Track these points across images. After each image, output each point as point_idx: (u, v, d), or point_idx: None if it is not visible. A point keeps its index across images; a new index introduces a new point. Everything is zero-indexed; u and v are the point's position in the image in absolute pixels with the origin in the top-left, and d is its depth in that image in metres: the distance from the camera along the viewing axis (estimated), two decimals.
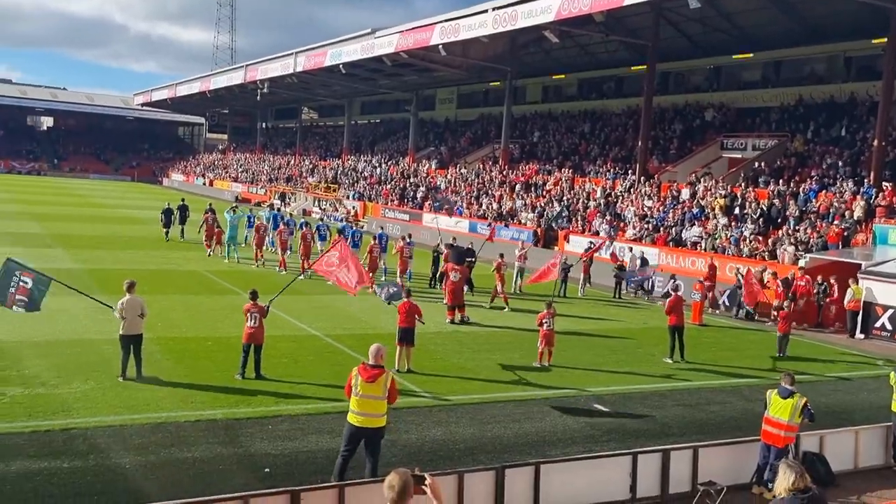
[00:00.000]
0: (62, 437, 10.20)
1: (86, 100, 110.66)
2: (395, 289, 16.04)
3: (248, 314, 13.44)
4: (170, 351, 14.83)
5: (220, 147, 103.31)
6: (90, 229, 36.19)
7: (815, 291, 23.33)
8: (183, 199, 37.34)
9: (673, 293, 17.86)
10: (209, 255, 29.31)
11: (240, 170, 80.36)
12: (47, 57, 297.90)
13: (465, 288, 21.67)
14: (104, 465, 9.47)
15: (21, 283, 12.51)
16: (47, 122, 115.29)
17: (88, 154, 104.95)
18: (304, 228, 27.66)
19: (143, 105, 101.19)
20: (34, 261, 24.26)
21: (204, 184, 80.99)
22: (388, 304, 15.75)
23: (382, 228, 33.43)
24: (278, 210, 36.65)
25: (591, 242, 29.67)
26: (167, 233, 33.60)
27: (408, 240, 26.02)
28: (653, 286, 27.38)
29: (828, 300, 23.28)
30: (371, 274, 23.93)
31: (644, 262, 27.22)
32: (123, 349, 12.81)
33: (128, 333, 12.77)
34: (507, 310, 22.21)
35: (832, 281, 23.02)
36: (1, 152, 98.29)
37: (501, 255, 23.82)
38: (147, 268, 24.95)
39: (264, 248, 28.47)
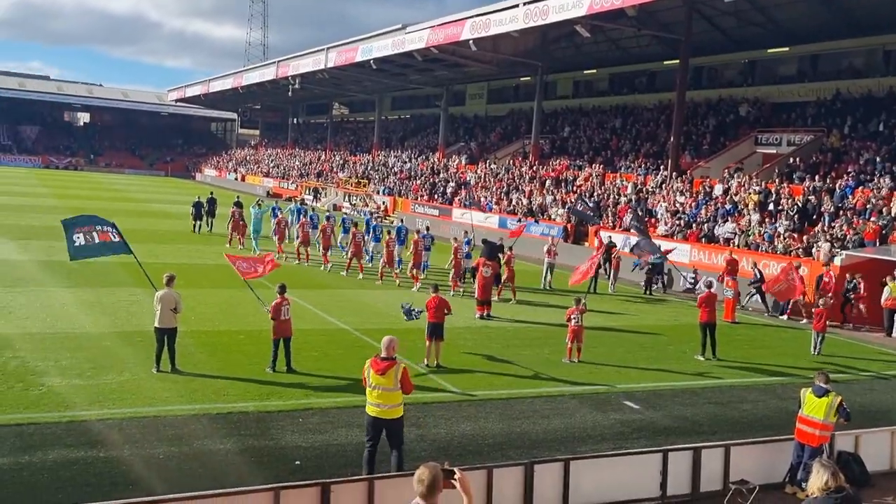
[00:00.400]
0: (98, 428, 10.38)
1: (121, 96, 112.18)
2: (407, 306, 15.61)
3: (280, 308, 13.57)
4: (203, 344, 15.01)
5: (252, 142, 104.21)
6: (125, 223, 36.32)
7: (844, 289, 22.99)
8: (212, 193, 38.23)
9: (706, 289, 17.69)
10: (227, 246, 29.90)
11: (271, 165, 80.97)
12: (84, 54, 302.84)
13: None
14: (139, 455, 9.62)
15: (92, 233, 14.00)
16: (84, 117, 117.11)
17: (123, 149, 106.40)
18: (325, 222, 27.83)
19: (176, 101, 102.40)
20: None
21: (236, 179, 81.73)
22: (409, 319, 15.49)
23: (402, 222, 33.61)
24: (302, 203, 36.83)
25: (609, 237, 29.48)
26: (197, 226, 34.48)
27: (423, 232, 26.18)
28: (671, 279, 27.05)
29: (854, 297, 22.93)
30: (389, 267, 24.51)
31: (637, 245, 26.06)
32: (158, 342, 13.00)
33: (162, 326, 12.95)
34: (513, 301, 22.44)
35: (859, 279, 22.69)
36: (39, 148, 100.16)
37: (510, 248, 24.05)
38: (180, 262, 25.23)
39: (285, 241, 28.70)
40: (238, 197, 35.71)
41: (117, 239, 14.56)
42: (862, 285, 22.67)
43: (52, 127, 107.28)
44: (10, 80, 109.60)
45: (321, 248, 26.79)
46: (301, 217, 29.76)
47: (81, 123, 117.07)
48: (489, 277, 20.06)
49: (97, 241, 14.29)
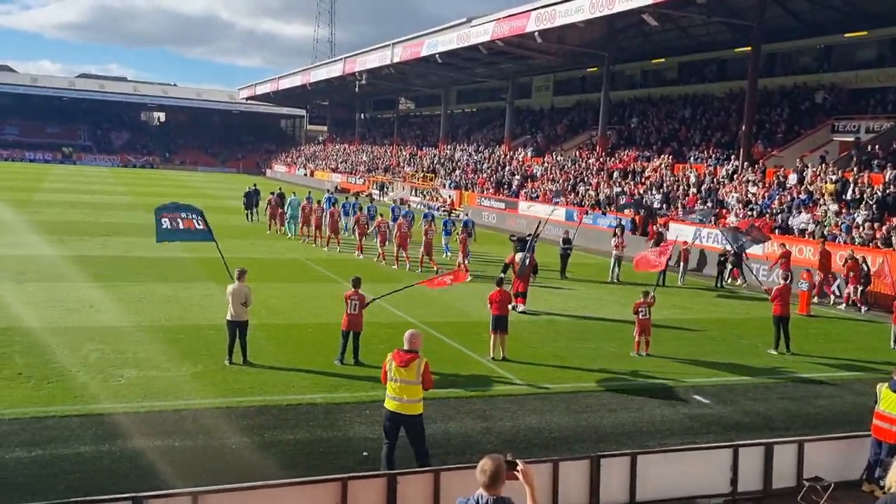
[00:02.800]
0: (174, 418, 10.72)
1: (194, 95, 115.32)
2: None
3: (349, 301, 13.76)
4: (273, 337, 15.34)
5: (321, 138, 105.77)
6: None
7: None
8: (255, 185, 41.98)
9: (782, 281, 17.23)
10: (268, 232, 33.35)
11: (339, 160, 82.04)
12: (159, 55, 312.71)
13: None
14: (212, 445, 9.91)
15: (178, 220, 14.87)
16: (159, 117, 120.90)
17: (197, 147, 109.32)
18: (357, 212, 29.59)
19: (247, 99, 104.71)
20: (148, 250, 25.50)
21: (305, 174, 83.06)
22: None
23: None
24: (331, 193, 38.43)
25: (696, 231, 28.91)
26: (248, 214, 38.37)
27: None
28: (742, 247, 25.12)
29: None
30: (428, 256, 25.20)
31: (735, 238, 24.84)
32: (230, 335, 13.33)
33: (233, 319, 13.28)
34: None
35: None
36: (117, 147, 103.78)
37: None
38: (252, 256, 25.81)
39: (323, 230, 30.21)
40: (280, 188, 38.72)
41: (202, 227, 15.14)
42: None
43: (129, 127, 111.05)
44: (91, 82, 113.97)
45: (356, 236, 28.19)
46: (332, 206, 31.21)
47: (157, 123, 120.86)
48: (526, 271, 19.67)
49: (181, 227, 14.94)
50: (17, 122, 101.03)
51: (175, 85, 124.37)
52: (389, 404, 9.21)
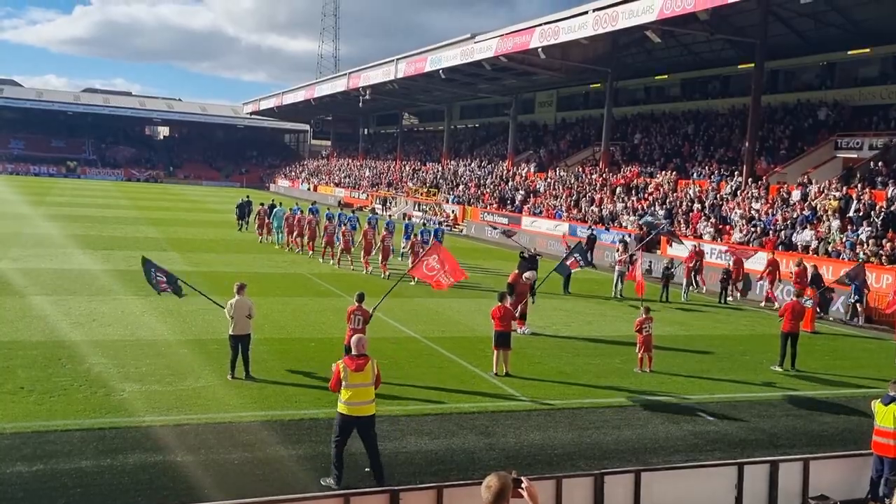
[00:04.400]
0: (175, 433, 10.67)
1: (199, 110, 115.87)
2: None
3: (352, 316, 13.73)
4: (276, 351, 15.30)
5: (324, 153, 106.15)
6: (202, 233, 37.76)
7: None
8: (248, 196, 43.94)
9: (791, 298, 17.16)
10: (260, 241, 35.12)
11: (343, 175, 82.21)
12: (164, 69, 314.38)
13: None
14: (214, 459, 9.86)
15: (158, 277, 14.57)
16: (164, 131, 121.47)
17: (201, 161, 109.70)
18: (343, 226, 30.20)
19: (251, 114, 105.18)
20: None
21: (308, 189, 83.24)
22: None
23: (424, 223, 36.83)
24: (316, 205, 39.40)
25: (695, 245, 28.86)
26: (240, 224, 40.40)
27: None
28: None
29: None
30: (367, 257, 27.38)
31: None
32: (232, 349, 13.30)
33: (236, 334, 13.24)
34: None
35: None
36: (121, 161, 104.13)
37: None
38: (255, 270, 25.81)
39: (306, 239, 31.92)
40: (273, 200, 41.10)
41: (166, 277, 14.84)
42: None
43: (133, 141, 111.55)
44: (96, 97, 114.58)
45: (340, 247, 28.92)
46: (327, 220, 32.37)
47: (161, 137, 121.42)
48: (525, 289, 18.85)
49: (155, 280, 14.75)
50: (23, 135, 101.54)
51: (180, 100, 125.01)
52: (344, 409, 9.43)
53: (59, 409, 11.26)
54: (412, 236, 28.95)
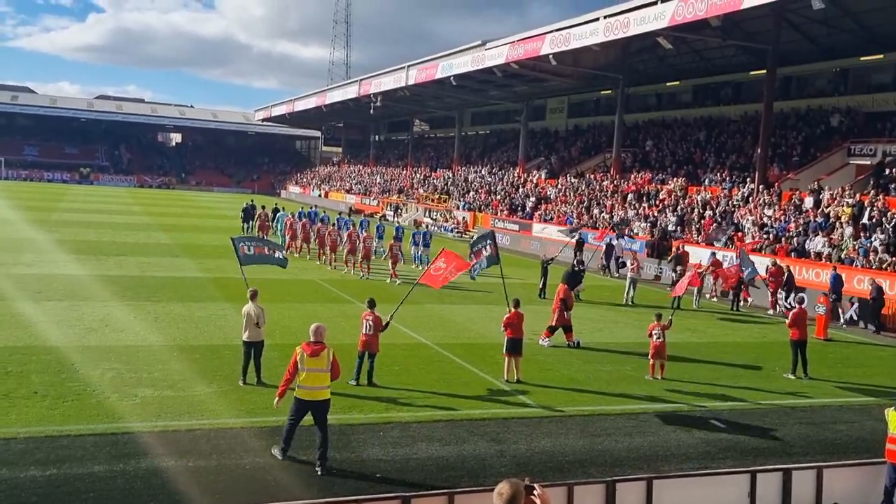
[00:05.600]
0: (187, 438, 10.72)
1: (211, 116, 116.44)
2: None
3: (364, 321, 13.79)
4: (287, 357, 15.23)
5: (335, 159, 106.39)
6: (213, 239, 37.88)
7: None
8: (252, 200, 45.42)
9: (797, 305, 17.09)
10: None
11: (353, 181, 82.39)
12: (176, 76, 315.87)
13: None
14: (225, 465, 9.89)
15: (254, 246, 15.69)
16: (175, 138, 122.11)
17: (212, 168, 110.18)
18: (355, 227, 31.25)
19: (263, 120, 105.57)
20: (164, 270, 25.66)
21: (320, 195, 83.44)
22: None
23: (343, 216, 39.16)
24: (322, 211, 41.01)
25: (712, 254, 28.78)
26: (245, 227, 41.53)
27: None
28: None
29: None
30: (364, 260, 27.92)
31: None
32: (245, 355, 13.35)
33: (249, 340, 13.30)
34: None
35: None
36: (134, 168, 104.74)
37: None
38: (266, 276, 25.83)
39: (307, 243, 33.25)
40: (276, 204, 44.06)
41: (277, 255, 15.98)
42: None
43: (146, 147, 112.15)
44: (109, 104, 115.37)
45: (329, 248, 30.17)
46: (316, 221, 34.55)
47: (173, 144, 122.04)
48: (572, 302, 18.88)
49: (254, 253, 15.76)
50: (37, 142, 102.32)
51: (192, 106, 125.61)
52: (300, 393, 10.04)
53: (72, 413, 11.32)
54: (392, 239, 29.51)
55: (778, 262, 26.17)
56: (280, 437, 10.22)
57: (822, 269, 26.29)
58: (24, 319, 17.21)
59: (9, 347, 14.74)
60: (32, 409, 11.41)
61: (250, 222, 41.70)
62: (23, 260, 26.45)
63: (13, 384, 12.46)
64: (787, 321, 16.90)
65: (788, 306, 24.92)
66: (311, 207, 43.14)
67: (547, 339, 18.27)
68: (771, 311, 25.50)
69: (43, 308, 18.67)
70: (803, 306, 17.07)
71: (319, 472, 9.71)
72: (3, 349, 14.59)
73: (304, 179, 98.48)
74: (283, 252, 16.14)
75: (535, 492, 4.78)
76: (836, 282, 24.02)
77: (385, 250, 29.93)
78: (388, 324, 14.04)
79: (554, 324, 18.32)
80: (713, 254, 28.38)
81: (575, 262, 25.75)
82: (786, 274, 25.75)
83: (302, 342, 10.46)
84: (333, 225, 33.37)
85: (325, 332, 10.40)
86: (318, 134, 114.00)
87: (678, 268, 27.61)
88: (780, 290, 25.76)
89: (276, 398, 10.49)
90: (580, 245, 32.63)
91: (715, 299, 27.29)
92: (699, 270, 26.50)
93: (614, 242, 32.64)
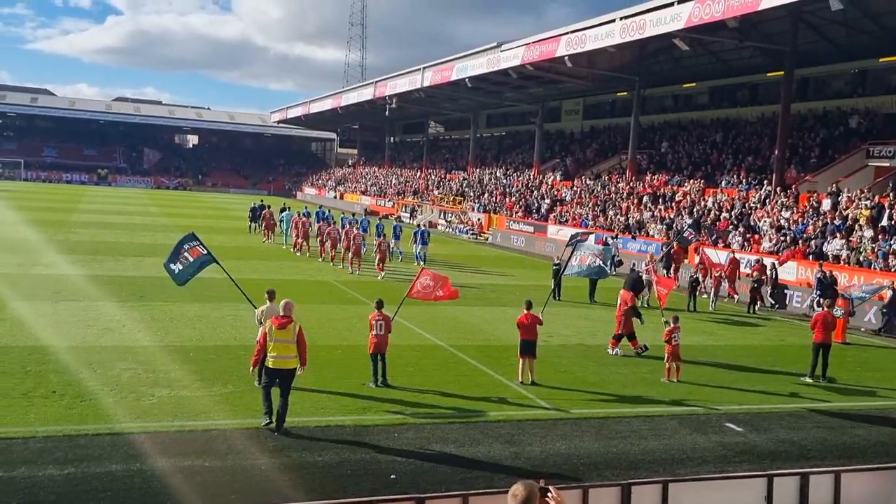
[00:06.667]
0: (204, 438, 10.77)
1: (227, 118, 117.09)
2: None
3: (374, 323, 13.80)
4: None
5: (351, 161, 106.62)
6: (229, 241, 38.05)
7: None
8: (262, 200, 46.21)
9: (820, 308, 16.93)
10: (265, 241, 38.02)
11: (369, 183, 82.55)
12: (193, 78, 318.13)
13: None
14: (240, 465, 9.93)
15: (184, 256, 14.67)
16: (193, 139, 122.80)
17: (229, 169, 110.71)
18: (346, 226, 32.04)
19: (279, 122, 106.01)
20: None
21: (335, 197, 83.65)
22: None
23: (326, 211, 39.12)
24: (328, 211, 40.82)
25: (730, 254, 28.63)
26: (253, 227, 42.97)
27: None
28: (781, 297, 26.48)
29: None
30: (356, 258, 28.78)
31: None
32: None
33: None
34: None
35: None
36: (151, 169, 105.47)
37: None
38: (280, 277, 25.98)
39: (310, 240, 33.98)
40: (283, 204, 45.31)
41: (205, 252, 15.09)
42: None
43: (163, 149, 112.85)
44: (127, 106, 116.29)
45: (344, 248, 30.22)
46: (320, 220, 35.73)
47: (190, 145, 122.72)
48: (628, 311, 18.20)
49: (190, 259, 14.88)
50: (56, 144, 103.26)
51: (208, 108, 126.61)
52: (270, 362, 11.20)
53: (89, 413, 11.41)
54: (381, 236, 29.98)
55: (762, 259, 26.99)
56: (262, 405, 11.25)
57: (839, 270, 26.08)
58: (42, 319, 17.36)
59: (28, 347, 14.88)
60: (51, 408, 11.51)
61: (259, 221, 42.69)
62: (42, 260, 26.69)
63: (32, 383, 12.57)
64: (810, 323, 16.75)
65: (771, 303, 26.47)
66: (317, 207, 44.23)
67: (615, 348, 17.84)
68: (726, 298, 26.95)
69: (61, 308, 18.83)
70: (827, 308, 16.93)
71: (276, 434, 10.95)
72: (22, 349, 14.73)
73: (320, 181, 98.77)
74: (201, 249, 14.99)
75: (549, 494, 4.76)
76: (822, 284, 24.16)
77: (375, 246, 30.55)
78: (391, 319, 14.13)
79: (620, 332, 17.90)
80: (729, 255, 28.20)
81: (633, 266, 25.77)
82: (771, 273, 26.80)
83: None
84: (335, 223, 34.38)
85: (293, 308, 11.58)
86: (333, 136, 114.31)
87: (671, 265, 27.95)
88: (727, 282, 26.94)
89: (251, 367, 11.83)
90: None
91: (734, 298, 27.13)
92: (716, 273, 26.50)
93: (610, 242, 32.67)
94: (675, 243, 31.03)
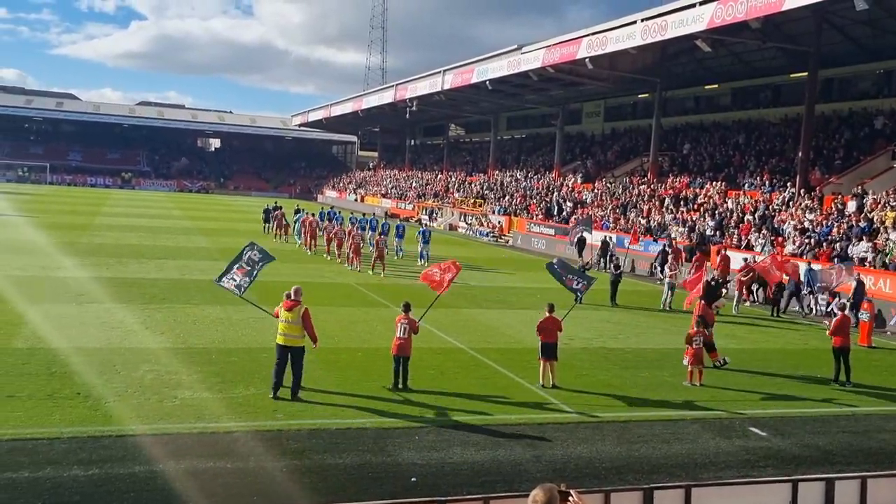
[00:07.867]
0: (226, 440, 10.83)
1: (249, 122, 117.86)
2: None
3: (398, 325, 13.82)
4: (323, 361, 15.41)
5: (371, 164, 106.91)
6: (245, 242, 38.24)
7: None
8: (276, 202, 47.18)
9: (840, 312, 16.75)
10: (276, 241, 38.79)
11: (389, 186, 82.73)
12: (215, 82, 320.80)
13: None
14: (263, 467, 9.97)
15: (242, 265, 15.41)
16: (215, 143, 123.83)
17: (250, 173, 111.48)
18: (351, 225, 33.17)
19: (300, 125, 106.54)
20: (203, 273, 25.94)
21: (356, 200, 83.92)
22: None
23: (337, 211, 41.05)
24: (335, 211, 42.25)
25: (747, 259, 28.36)
26: (265, 227, 44.55)
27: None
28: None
29: None
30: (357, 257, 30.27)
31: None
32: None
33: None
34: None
35: None
36: (174, 173, 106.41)
37: None
38: (302, 280, 26.02)
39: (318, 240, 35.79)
40: (297, 205, 47.33)
41: (257, 258, 15.69)
42: None
43: (186, 153, 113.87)
44: (151, 110, 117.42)
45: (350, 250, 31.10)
46: (326, 220, 37.70)
47: (212, 149, 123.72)
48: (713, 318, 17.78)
49: (238, 278, 15.11)
50: (81, 148, 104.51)
51: (231, 112, 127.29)
52: (279, 339, 12.78)
53: (113, 414, 11.51)
54: (377, 234, 32.52)
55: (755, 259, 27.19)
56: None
57: (865, 273, 25.75)
58: (66, 322, 17.55)
59: (53, 349, 15.04)
60: (75, 409, 11.63)
61: (272, 222, 43.96)
62: (65, 263, 26.98)
63: (57, 385, 12.71)
64: (829, 329, 16.56)
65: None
66: (329, 208, 45.55)
67: (716, 359, 17.04)
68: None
69: (84, 311, 19.03)
70: (846, 313, 16.73)
71: (290, 399, 12.52)
72: (47, 351, 14.90)
73: (341, 184, 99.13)
74: (257, 253, 15.80)
75: (570, 498, 4.73)
76: (811, 276, 24.74)
77: (373, 244, 31.70)
78: (418, 325, 14.16)
79: (709, 340, 16.97)
80: (746, 258, 27.94)
81: (657, 267, 25.82)
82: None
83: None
84: (343, 224, 35.89)
85: (301, 293, 13.04)
86: (354, 139, 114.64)
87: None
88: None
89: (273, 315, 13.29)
90: (581, 244, 33.48)
91: (755, 304, 26.90)
92: (741, 277, 26.26)
93: (606, 239, 33.83)
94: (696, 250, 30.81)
